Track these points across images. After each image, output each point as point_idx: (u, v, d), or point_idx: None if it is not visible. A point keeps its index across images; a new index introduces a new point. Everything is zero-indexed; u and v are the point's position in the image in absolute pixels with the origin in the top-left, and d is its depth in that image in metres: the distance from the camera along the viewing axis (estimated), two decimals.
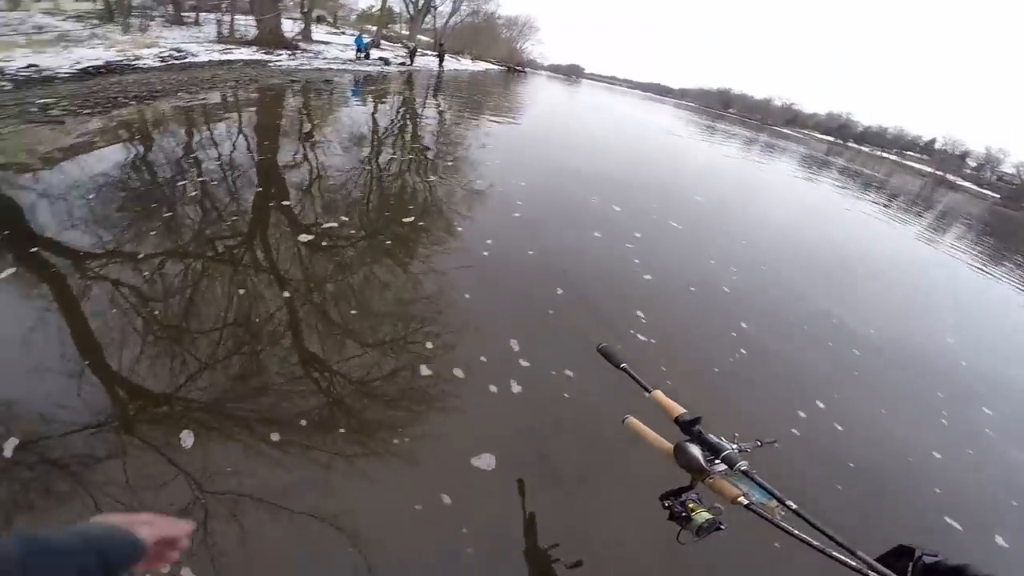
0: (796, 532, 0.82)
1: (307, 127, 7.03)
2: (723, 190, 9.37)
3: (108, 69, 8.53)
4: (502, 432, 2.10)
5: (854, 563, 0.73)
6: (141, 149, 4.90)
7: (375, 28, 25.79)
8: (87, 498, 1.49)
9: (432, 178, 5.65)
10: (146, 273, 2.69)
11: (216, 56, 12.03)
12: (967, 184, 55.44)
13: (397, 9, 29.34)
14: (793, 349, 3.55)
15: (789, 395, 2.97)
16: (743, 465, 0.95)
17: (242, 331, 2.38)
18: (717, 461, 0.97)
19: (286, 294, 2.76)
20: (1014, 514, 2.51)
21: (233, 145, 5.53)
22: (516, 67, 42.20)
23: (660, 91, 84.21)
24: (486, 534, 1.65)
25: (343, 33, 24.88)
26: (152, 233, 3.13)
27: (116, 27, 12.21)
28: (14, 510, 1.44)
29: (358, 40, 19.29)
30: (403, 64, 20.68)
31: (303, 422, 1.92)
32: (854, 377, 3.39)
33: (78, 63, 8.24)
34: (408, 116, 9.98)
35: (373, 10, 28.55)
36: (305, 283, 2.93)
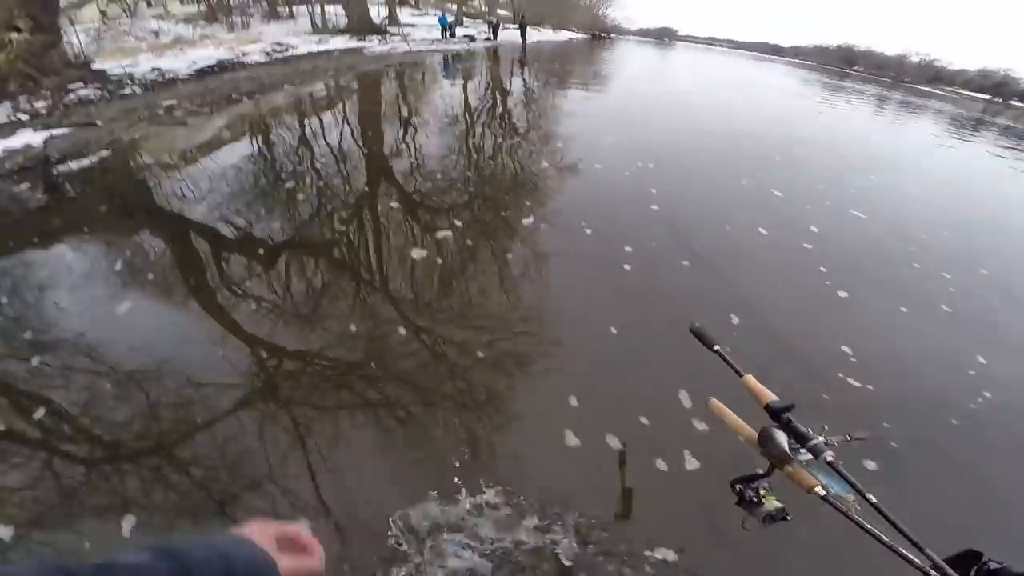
0: (868, 526, 0.78)
1: (411, 110, 6.82)
2: (903, 166, 7.54)
3: (221, 67, 8.86)
4: None
5: (919, 561, 0.71)
6: (261, 143, 5.20)
7: (455, 6, 25.33)
8: None
9: (544, 165, 4.95)
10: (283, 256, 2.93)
11: (314, 47, 12.22)
12: None
13: None
14: None
15: None
16: (829, 455, 0.86)
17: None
18: (802, 450, 0.90)
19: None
20: None
21: (340, 134, 5.53)
22: (601, 34, 39.45)
23: (769, 50, 73.69)
24: None
25: (425, 14, 24.75)
26: (280, 223, 3.38)
27: (221, 26, 12.86)
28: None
29: (442, 19, 19.05)
30: (487, 40, 20.08)
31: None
32: None
33: (194, 63, 8.62)
34: (522, 94, 9.29)
35: None
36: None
